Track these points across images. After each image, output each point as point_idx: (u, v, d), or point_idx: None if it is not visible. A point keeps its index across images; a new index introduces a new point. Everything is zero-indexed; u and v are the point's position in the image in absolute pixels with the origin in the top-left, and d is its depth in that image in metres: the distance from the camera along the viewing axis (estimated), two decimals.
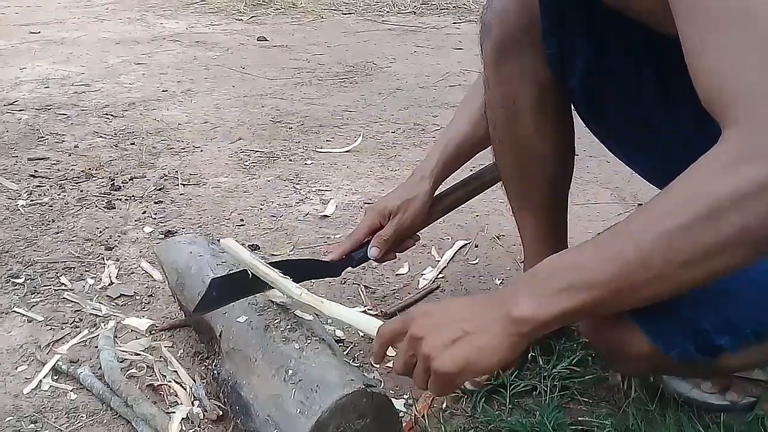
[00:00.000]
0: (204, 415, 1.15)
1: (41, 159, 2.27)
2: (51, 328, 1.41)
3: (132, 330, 1.39)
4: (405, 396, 1.21)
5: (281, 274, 1.12)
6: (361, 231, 1.33)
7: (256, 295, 1.18)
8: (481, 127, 1.31)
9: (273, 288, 1.16)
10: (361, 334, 1.33)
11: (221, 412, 1.15)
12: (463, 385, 1.17)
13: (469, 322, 0.79)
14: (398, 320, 0.88)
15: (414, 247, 1.42)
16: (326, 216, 1.92)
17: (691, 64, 0.72)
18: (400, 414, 1.13)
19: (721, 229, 0.65)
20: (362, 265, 1.41)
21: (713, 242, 0.66)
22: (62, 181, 2.10)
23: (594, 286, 0.73)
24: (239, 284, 1.16)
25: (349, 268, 1.36)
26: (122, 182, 2.10)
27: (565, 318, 0.76)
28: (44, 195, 2.01)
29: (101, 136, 2.49)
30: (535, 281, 0.78)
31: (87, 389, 1.23)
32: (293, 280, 1.11)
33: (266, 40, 4.01)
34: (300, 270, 1.15)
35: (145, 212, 1.92)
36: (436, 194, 1.38)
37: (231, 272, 1.23)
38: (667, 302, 0.75)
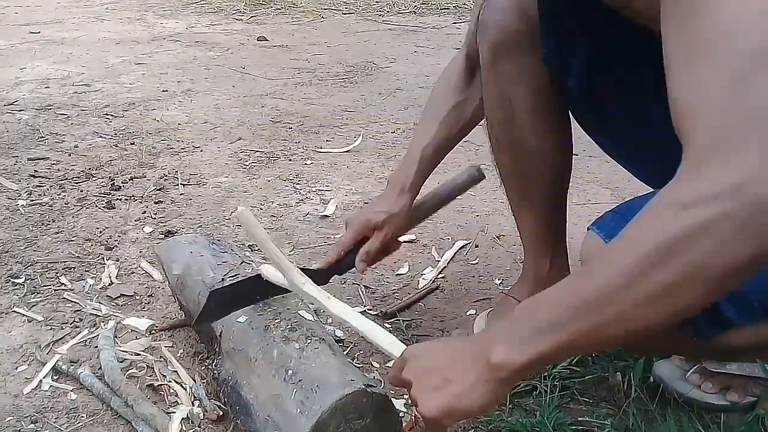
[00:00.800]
0: (204, 415, 1.15)
1: (41, 159, 2.27)
2: (51, 328, 1.41)
3: (132, 330, 1.40)
4: (405, 396, 1.21)
5: (289, 259, 1.12)
6: (347, 243, 1.31)
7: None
8: (452, 125, 1.31)
9: (270, 296, 1.17)
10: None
11: (221, 412, 1.15)
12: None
13: (450, 370, 0.81)
14: (397, 365, 0.88)
15: (413, 244, 1.40)
16: (326, 216, 1.92)
17: (668, 86, 0.72)
18: (400, 414, 1.13)
19: (674, 268, 0.66)
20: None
21: (666, 280, 0.67)
22: (62, 181, 2.10)
23: (559, 329, 0.73)
24: (238, 295, 1.17)
25: (336, 276, 1.35)
26: (122, 182, 2.10)
27: (541, 361, 0.76)
28: (44, 195, 2.01)
29: (101, 136, 2.49)
30: (510, 326, 0.78)
31: (87, 389, 1.24)
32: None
33: (266, 40, 4.00)
34: None
35: (145, 212, 1.92)
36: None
37: (230, 283, 1.23)
38: None
